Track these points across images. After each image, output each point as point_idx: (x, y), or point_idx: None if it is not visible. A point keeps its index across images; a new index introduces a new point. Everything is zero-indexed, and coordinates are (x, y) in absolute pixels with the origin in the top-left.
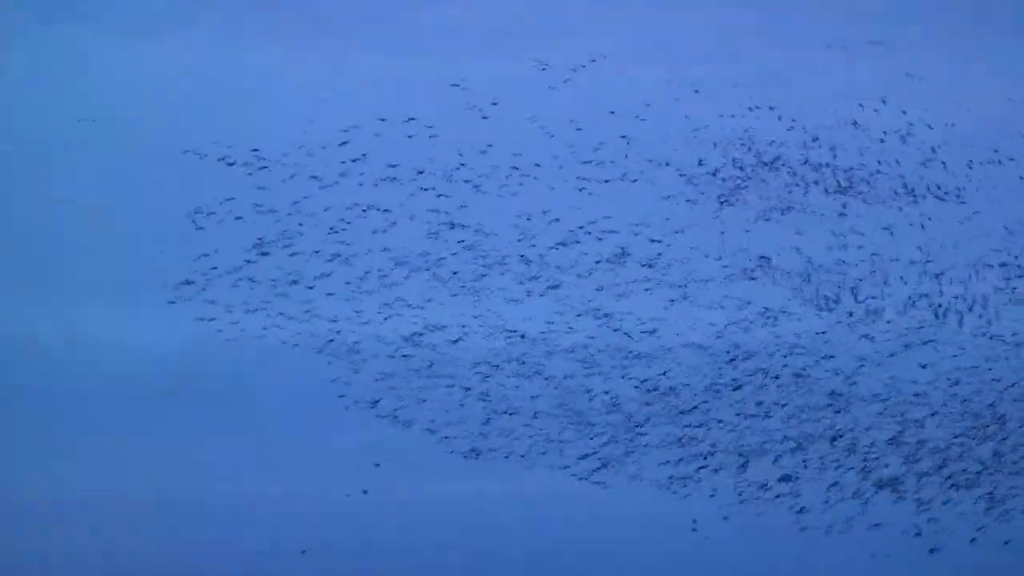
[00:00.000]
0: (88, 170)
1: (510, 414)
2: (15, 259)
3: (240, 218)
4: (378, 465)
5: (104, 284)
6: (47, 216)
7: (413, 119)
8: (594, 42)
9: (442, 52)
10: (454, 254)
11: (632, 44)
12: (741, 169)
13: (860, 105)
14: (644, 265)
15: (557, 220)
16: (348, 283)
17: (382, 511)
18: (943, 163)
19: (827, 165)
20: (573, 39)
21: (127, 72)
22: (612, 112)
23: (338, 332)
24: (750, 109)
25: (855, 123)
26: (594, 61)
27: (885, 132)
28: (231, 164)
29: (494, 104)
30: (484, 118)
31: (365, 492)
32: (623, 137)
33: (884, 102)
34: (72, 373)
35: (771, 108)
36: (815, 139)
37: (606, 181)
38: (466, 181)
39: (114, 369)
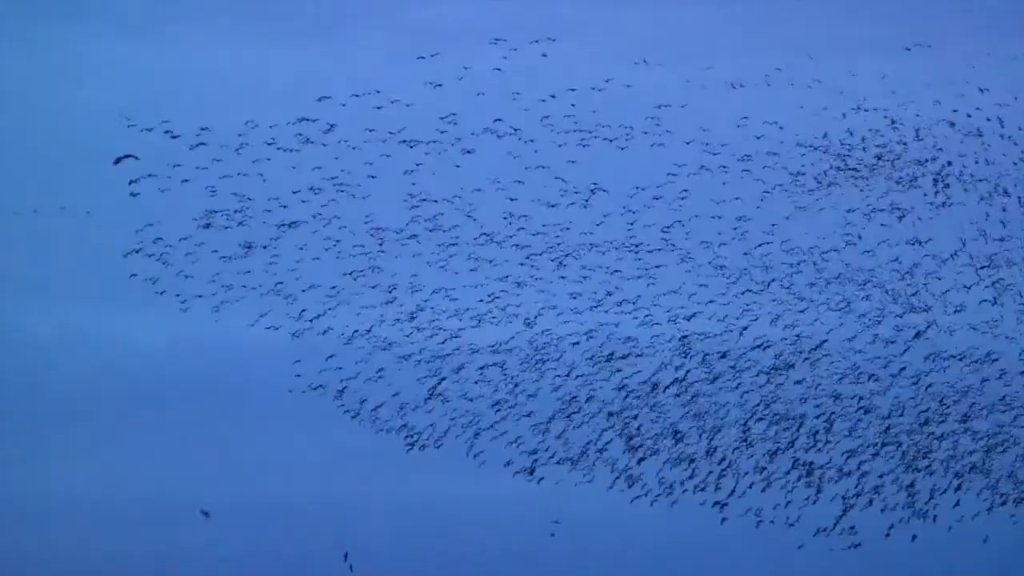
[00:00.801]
0: (85, 169)
1: (469, 399)
2: (14, 259)
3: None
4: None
5: (102, 282)
6: (46, 215)
7: (379, 91)
8: (594, 40)
9: (437, 48)
10: (431, 230)
11: (633, 42)
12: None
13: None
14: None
15: (556, 180)
16: (319, 261)
17: (377, 511)
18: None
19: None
20: (572, 38)
21: (125, 71)
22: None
23: (316, 317)
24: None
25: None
26: (555, 40)
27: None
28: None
29: (466, 68)
30: (438, 86)
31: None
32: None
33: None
34: (70, 372)
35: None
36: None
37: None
38: (455, 143)
39: (110, 368)
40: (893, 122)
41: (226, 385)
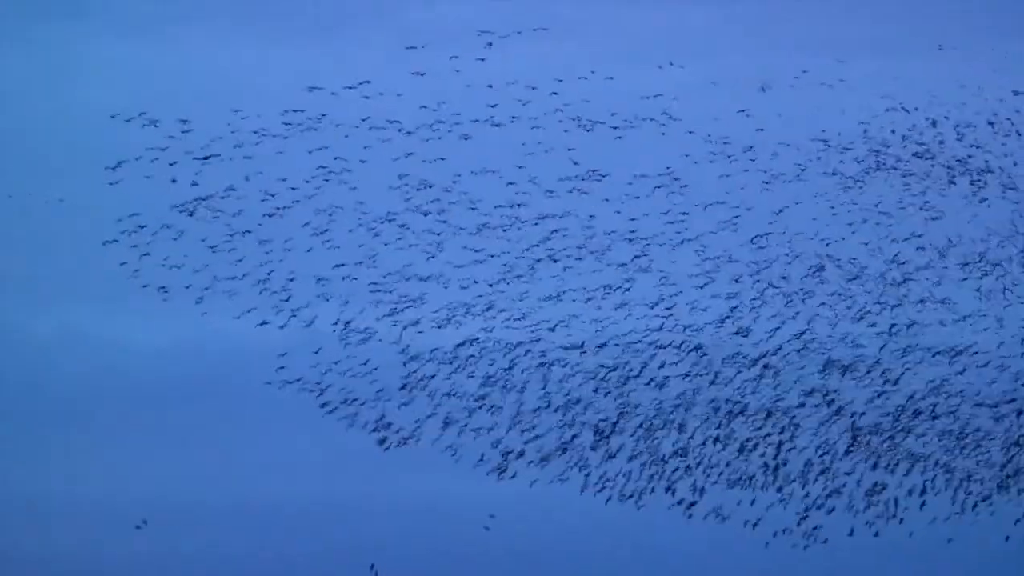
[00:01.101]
0: (85, 169)
1: (455, 396)
2: (14, 258)
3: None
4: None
5: (103, 282)
6: (46, 215)
7: (367, 82)
8: (594, 37)
9: (436, 49)
10: (425, 214)
11: (635, 40)
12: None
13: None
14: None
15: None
16: (309, 250)
17: (377, 510)
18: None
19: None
20: (571, 36)
21: (125, 71)
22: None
23: (299, 308)
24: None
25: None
26: (544, 30)
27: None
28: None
29: (456, 57)
30: (420, 74)
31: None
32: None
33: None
34: (69, 373)
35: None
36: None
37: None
38: (452, 131)
39: (110, 368)
40: (927, 119)
41: (227, 385)
